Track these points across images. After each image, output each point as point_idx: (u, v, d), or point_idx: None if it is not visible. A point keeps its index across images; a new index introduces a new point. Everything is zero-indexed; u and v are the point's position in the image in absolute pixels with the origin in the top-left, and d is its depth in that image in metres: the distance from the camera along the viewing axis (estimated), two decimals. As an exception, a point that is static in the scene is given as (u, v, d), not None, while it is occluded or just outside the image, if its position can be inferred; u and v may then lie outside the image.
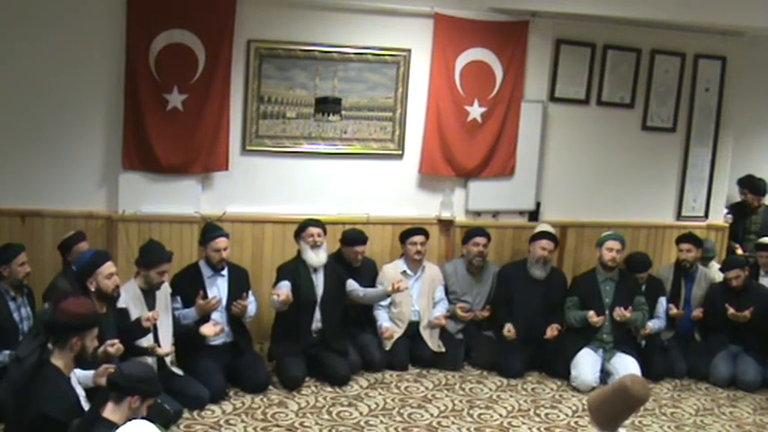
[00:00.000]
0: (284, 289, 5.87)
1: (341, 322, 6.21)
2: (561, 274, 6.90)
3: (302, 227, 6.10)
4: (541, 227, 6.85)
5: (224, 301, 5.78)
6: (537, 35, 7.06)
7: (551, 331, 6.41)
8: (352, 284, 6.23)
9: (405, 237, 6.57)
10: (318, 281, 6.08)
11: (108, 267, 4.91)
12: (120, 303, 5.13)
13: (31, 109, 6.06)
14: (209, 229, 5.91)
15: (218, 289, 5.83)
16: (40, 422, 3.74)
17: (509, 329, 6.39)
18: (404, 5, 6.67)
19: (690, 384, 6.54)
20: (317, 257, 6.04)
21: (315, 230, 6.06)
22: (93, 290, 4.86)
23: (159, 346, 5.28)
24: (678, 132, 7.69)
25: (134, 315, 5.17)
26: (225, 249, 5.81)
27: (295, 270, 6.04)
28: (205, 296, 5.69)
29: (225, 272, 5.88)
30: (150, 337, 5.24)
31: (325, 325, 6.06)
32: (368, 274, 6.49)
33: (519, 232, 7.20)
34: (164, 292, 5.50)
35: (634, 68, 7.42)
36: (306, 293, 5.99)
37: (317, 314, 6.05)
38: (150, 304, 5.33)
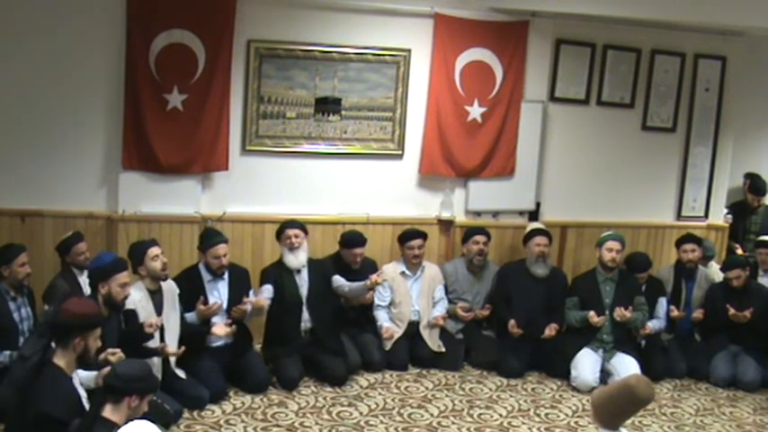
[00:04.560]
0: (264, 294, 5.90)
1: (332, 320, 6.19)
2: (562, 274, 6.91)
3: (280, 229, 6.09)
4: (532, 225, 6.87)
5: (224, 305, 5.78)
6: (537, 35, 7.06)
7: (549, 330, 6.41)
8: (338, 280, 6.18)
9: (402, 240, 6.57)
10: (302, 281, 6.07)
11: (124, 277, 4.92)
12: (129, 305, 5.12)
13: (31, 109, 6.06)
14: (209, 236, 5.87)
15: (218, 293, 5.83)
16: (41, 421, 3.73)
17: (513, 325, 6.39)
18: (404, 5, 6.67)
19: (690, 384, 6.54)
20: (295, 259, 6.02)
21: (291, 232, 6.03)
22: (102, 293, 4.85)
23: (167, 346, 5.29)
24: (678, 132, 7.69)
25: (142, 317, 5.16)
26: (224, 256, 5.79)
27: (277, 272, 6.03)
28: (206, 301, 5.69)
29: (225, 275, 5.87)
30: (157, 339, 5.24)
31: (315, 324, 6.05)
32: (368, 275, 6.43)
33: (519, 232, 7.16)
34: (171, 292, 5.50)
35: (634, 68, 7.42)
36: (290, 295, 5.99)
37: (305, 314, 6.04)
38: (158, 305, 5.33)
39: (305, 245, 6.09)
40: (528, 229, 6.81)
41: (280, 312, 5.98)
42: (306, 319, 6.05)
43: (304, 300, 6.04)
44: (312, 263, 6.13)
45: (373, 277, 5.98)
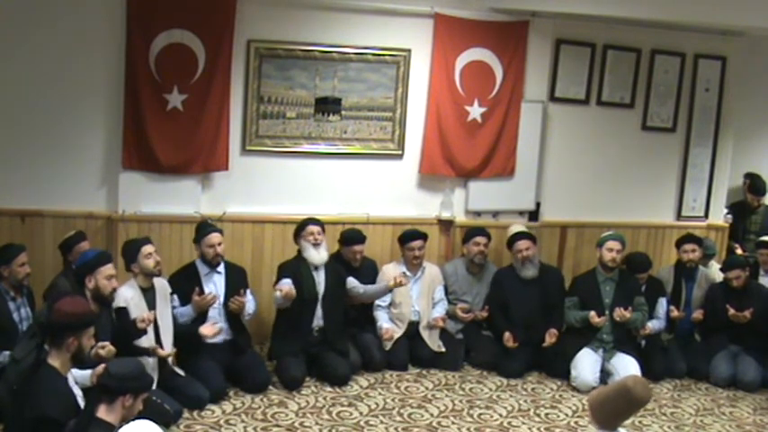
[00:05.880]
0: (286, 285, 5.88)
1: (342, 321, 6.22)
2: (556, 273, 6.88)
3: (301, 226, 6.12)
4: (512, 228, 6.83)
5: (221, 298, 5.79)
6: (537, 35, 7.06)
7: (550, 337, 6.38)
8: (352, 282, 6.23)
9: (403, 241, 6.57)
10: (320, 278, 6.09)
11: (109, 269, 4.93)
12: (121, 303, 5.14)
13: (31, 109, 6.06)
14: (202, 226, 5.93)
15: (214, 286, 5.84)
16: (38, 422, 3.73)
17: (508, 338, 6.38)
18: (404, 5, 6.67)
19: (690, 384, 6.54)
20: (318, 255, 6.06)
21: (314, 228, 6.08)
22: (90, 287, 4.87)
23: (161, 346, 5.29)
24: (678, 132, 7.69)
25: (135, 314, 5.16)
26: (219, 245, 5.82)
27: (296, 268, 6.05)
28: (201, 293, 5.69)
29: (221, 269, 5.89)
30: (152, 336, 5.25)
31: (326, 323, 6.06)
32: (368, 274, 6.48)
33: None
34: (163, 290, 5.51)
35: (634, 68, 7.42)
36: (308, 291, 6.00)
37: (319, 311, 6.05)
38: (150, 303, 5.34)
39: (325, 243, 6.12)
40: (509, 233, 6.76)
41: (295, 307, 5.95)
42: (319, 317, 6.06)
43: (320, 297, 6.05)
44: (328, 263, 6.15)
45: (397, 278, 6.05)
